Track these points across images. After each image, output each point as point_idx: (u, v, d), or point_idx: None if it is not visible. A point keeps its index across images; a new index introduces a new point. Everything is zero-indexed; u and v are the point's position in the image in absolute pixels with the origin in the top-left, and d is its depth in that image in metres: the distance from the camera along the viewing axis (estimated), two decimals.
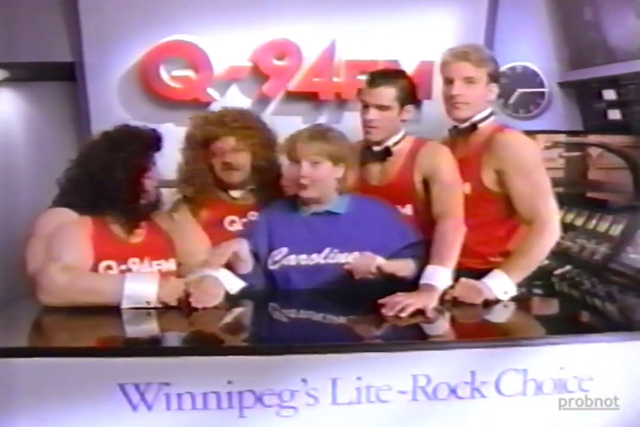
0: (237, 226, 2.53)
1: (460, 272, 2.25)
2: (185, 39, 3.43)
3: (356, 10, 3.43)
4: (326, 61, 3.49)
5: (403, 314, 2.00)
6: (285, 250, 2.32)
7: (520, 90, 3.57)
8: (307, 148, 2.25)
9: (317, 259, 2.30)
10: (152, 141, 2.26)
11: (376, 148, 2.47)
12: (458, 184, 2.37)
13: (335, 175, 2.31)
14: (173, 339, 2.01)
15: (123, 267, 2.21)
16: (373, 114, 2.38)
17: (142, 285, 2.08)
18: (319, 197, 2.32)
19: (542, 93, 3.59)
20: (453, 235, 2.26)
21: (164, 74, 3.44)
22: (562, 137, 3.46)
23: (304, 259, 2.30)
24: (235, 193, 2.56)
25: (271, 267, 2.33)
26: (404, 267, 2.28)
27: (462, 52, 2.37)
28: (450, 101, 2.41)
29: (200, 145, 2.48)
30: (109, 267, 2.19)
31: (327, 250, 2.29)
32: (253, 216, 2.52)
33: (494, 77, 2.42)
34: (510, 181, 2.34)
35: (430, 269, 2.19)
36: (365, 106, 2.40)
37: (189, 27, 3.41)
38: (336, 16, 3.44)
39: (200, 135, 2.47)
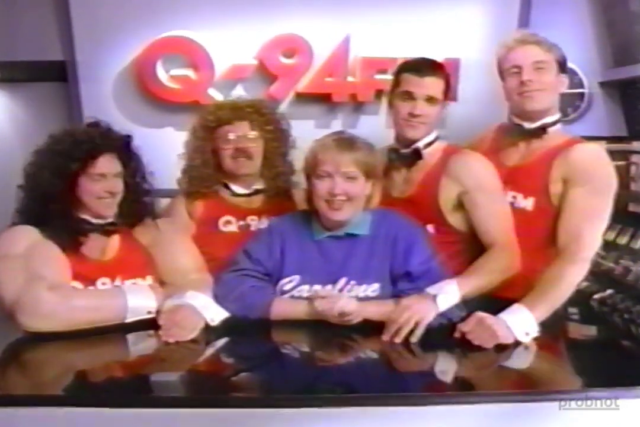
0: (232, 228, 2.40)
1: (502, 301, 1.97)
2: (184, 35, 3.38)
3: (372, 2, 3.35)
4: (340, 59, 3.41)
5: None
6: (297, 278, 2.05)
7: None
8: (340, 159, 1.97)
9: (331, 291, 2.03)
10: (90, 144, 2.03)
11: (404, 150, 2.24)
12: (505, 202, 2.17)
13: (366, 191, 2.04)
14: (127, 383, 1.73)
15: (90, 289, 2.02)
16: (422, 106, 2.16)
17: (141, 295, 1.98)
18: (350, 219, 2.04)
19: (582, 94, 3.53)
20: (499, 263, 2.05)
21: (161, 73, 3.41)
22: (603, 144, 3.22)
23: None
24: (239, 189, 2.43)
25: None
26: (377, 311, 1.95)
27: (528, 35, 2.19)
28: (519, 92, 2.15)
29: (208, 133, 2.40)
30: None
31: (342, 280, 2.02)
32: (253, 220, 2.40)
33: (563, 66, 2.20)
34: (571, 193, 2.09)
35: (447, 282, 1.95)
36: (411, 99, 2.17)
37: (188, 22, 3.36)
38: (350, 9, 3.36)
39: (212, 120, 2.39)
